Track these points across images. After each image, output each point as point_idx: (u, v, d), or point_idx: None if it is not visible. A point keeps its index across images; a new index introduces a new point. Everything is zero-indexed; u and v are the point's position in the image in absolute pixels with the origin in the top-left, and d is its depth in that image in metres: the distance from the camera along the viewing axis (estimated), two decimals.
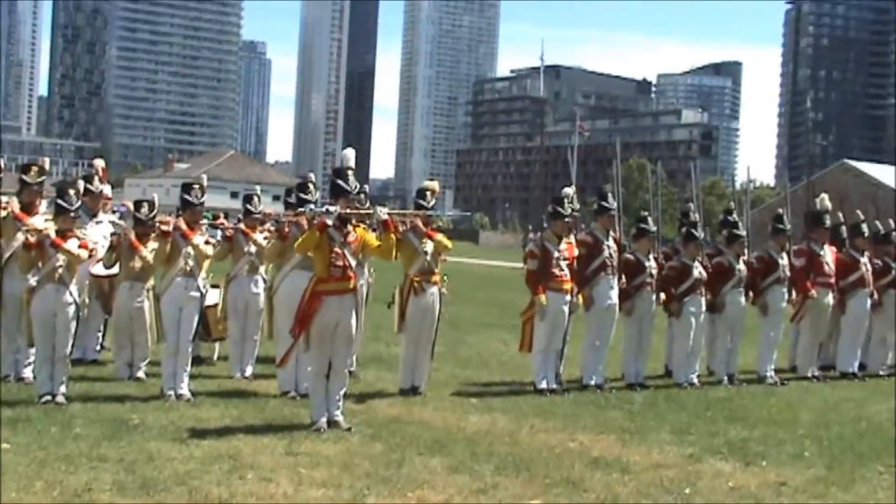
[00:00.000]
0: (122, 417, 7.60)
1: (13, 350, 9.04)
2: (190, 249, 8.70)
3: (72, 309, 8.19)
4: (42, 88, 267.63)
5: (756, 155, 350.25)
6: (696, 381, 10.74)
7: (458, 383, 10.15)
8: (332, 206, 7.66)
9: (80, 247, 8.22)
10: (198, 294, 8.80)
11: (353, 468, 6.41)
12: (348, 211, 7.72)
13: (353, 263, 7.71)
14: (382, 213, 7.83)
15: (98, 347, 10.51)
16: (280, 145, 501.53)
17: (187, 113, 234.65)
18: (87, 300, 9.04)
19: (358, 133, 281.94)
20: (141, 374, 9.51)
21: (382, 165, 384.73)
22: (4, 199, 9.24)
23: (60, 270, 8.10)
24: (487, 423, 8.15)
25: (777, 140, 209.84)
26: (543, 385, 9.74)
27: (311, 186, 9.40)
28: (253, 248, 9.76)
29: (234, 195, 72.04)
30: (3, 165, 9.88)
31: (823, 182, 47.16)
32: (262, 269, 9.93)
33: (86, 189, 10.08)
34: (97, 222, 10.32)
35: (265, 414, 8.08)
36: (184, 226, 8.76)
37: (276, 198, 34.15)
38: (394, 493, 5.88)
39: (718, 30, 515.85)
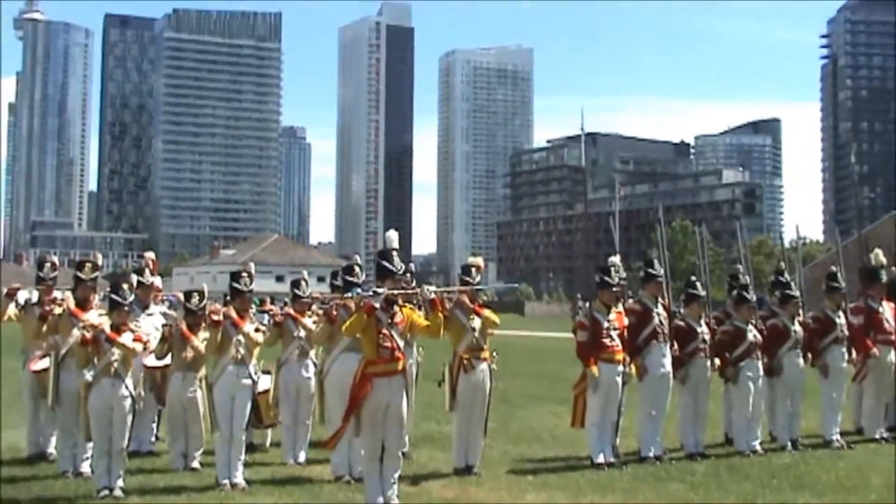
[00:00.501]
0: None
1: (70, 445, 9.08)
2: (241, 338, 8.76)
3: (128, 402, 8.26)
4: (92, 184, 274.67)
5: (802, 211, 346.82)
6: (758, 448, 10.46)
7: (512, 460, 10.00)
8: (379, 287, 7.66)
9: (134, 340, 8.33)
10: (249, 381, 8.83)
11: None
12: (395, 291, 7.72)
13: (402, 344, 7.69)
14: (429, 291, 7.81)
15: (153, 438, 10.52)
16: (322, 227, 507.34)
17: (231, 200, 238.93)
18: (142, 392, 9.11)
19: (399, 211, 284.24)
20: (196, 463, 9.48)
21: (424, 241, 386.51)
22: (60, 295, 9.47)
23: (116, 364, 8.20)
24: (545, 500, 8.02)
25: (822, 195, 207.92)
26: (600, 459, 9.55)
27: (357, 269, 9.43)
28: (302, 333, 9.80)
29: (279, 279, 72.75)
30: (56, 262, 10.08)
31: (875, 235, 46.39)
32: (312, 353, 9.94)
33: (137, 282, 10.22)
34: (149, 314, 10.41)
35: (320, 500, 8.03)
36: (234, 314, 8.82)
37: (320, 279, 34.36)
38: None
39: (755, 88, 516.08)
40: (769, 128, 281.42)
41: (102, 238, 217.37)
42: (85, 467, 8.95)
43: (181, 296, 9.98)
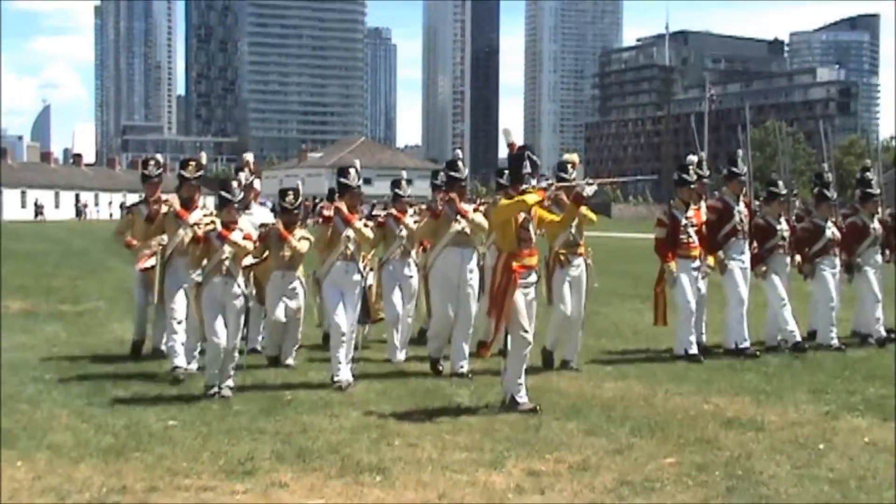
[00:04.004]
0: (277, 394, 8.03)
1: (180, 343, 8.99)
2: (350, 233, 8.51)
3: (240, 301, 8.09)
4: (180, 88, 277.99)
5: None
6: (836, 342, 10.60)
7: (593, 353, 10.26)
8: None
9: (244, 238, 8.15)
10: (358, 277, 8.66)
11: (493, 433, 6.71)
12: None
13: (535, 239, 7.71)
14: (590, 186, 7.78)
15: (261, 338, 10.36)
16: (409, 129, 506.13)
17: (318, 103, 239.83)
18: (253, 291, 9.03)
19: (485, 113, 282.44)
20: (291, 360, 9.58)
21: None
22: (164, 196, 9.48)
23: (227, 263, 8.01)
24: (622, 389, 8.37)
25: None
26: (684, 351, 9.85)
27: (460, 164, 9.33)
28: (404, 232, 9.84)
29: (367, 181, 73.39)
30: (161, 160, 10.10)
31: None
32: (413, 252, 10.06)
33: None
34: (248, 213, 10.22)
35: (408, 387, 8.42)
36: (345, 209, 8.59)
37: (408, 182, 34.71)
38: (532, 455, 6.12)
39: None
40: (867, 24, 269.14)
41: (192, 142, 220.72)
42: (194, 365, 8.88)
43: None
